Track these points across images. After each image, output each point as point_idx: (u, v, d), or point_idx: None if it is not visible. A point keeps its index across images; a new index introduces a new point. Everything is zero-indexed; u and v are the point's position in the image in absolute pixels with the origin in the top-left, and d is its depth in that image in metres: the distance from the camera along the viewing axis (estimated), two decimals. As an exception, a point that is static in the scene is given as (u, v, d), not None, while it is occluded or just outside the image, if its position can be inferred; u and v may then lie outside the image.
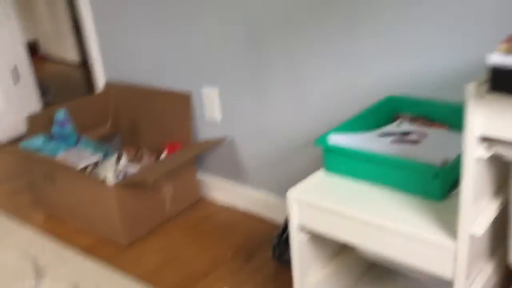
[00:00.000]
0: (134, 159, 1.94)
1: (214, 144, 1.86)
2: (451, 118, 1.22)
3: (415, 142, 1.16)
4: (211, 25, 1.70)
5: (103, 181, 1.67)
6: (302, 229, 1.08)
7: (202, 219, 1.86)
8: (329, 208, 1.00)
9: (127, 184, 1.66)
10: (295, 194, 1.05)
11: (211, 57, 1.75)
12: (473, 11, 1.16)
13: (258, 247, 1.66)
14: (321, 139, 1.10)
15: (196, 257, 1.64)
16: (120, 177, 1.70)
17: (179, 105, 1.90)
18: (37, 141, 1.85)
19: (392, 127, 1.24)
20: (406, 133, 1.20)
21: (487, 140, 0.78)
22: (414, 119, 1.27)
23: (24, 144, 1.83)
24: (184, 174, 1.90)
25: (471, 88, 0.73)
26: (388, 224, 0.92)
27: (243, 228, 1.77)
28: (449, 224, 0.89)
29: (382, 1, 1.28)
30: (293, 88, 1.56)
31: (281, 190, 1.74)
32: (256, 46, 1.60)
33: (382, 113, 1.28)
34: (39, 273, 1.61)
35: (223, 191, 1.93)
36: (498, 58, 0.67)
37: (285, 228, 1.52)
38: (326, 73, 1.47)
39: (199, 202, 1.97)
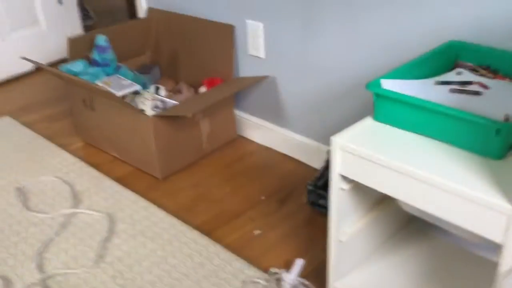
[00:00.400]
0: (172, 91, 1.90)
1: (256, 81, 1.79)
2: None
3: (475, 93, 1.06)
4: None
5: (142, 112, 1.64)
6: (343, 178, 1.03)
7: (237, 159, 1.83)
8: (375, 157, 0.94)
9: (166, 116, 1.64)
10: (339, 140, 0.99)
11: (258, -11, 1.65)
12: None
13: (293, 191, 1.62)
14: (373, 83, 1.01)
15: (229, 197, 1.62)
16: (159, 109, 1.67)
17: (222, 37, 1.82)
18: (78, 66, 1.82)
19: (451, 75, 1.14)
20: (466, 83, 1.10)
21: None
22: (475, 69, 1.16)
23: (64, 67, 1.81)
24: (222, 111, 1.86)
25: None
26: (437, 179, 0.86)
27: (278, 171, 1.74)
28: (507, 186, 0.82)
29: None
30: (345, 28, 1.46)
31: (322, 136, 1.68)
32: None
33: (441, 60, 1.17)
34: (76, 198, 1.64)
35: (261, 132, 1.88)
36: None
37: (322, 173, 1.47)
38: (383, 13, 1.35)
39: (236, 141, 1.94)
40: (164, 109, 1.69)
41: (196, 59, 1.97)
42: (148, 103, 1.67)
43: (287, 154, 1.81)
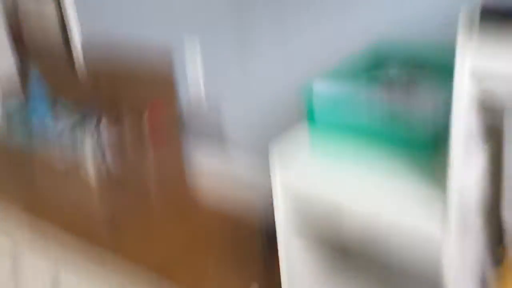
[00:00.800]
0: (114, 121, 1.86)
1: (197, 105, 1.77)
2: (441, 62, 1.14)
3: (404, 89, 1.09)
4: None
5: (84, 179, 1.56)
6: (285, 189, 1.01)
7: (187, 193, 1.76)
8: (313, 163, 0.93)
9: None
10: (277, 148, 0.98)
11: (194, 10, 1.64)
12: None
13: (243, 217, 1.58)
14: (306, 86, 1.02)
15: (178, 232, 1.55)
16: (103, 171, 1.59)
17: (161, 61, 1.80)
18: (12, 105, 1.77)
19: (379, 74, 1.16)
20: (394, 80, 1.12)
21: (478, 76, 0.71)
22: (403, 65, 1.19)
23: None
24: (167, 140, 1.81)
25: (463, 17, 0.65)
26: (374, 177, 0.86)
27: (229, 204, 1.69)
28: (440, 177, 0.83)
29: None
30: (278, 39, 1.47)
31: (264, 152, 1.67)
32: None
33: (370, 60, 1.19)
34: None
35: (206, 156, 1.86)
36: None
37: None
38: (316, 19, 1.37)
39: (184, 173, 1.88)
40: (108, 169, 1.63)
41: (136, 85, 1.93)
42: (90, 165, 1.57)
43: (233, 174, 1.79)
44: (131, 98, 1.96)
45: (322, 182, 0.94)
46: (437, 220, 0.81)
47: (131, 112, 1.91)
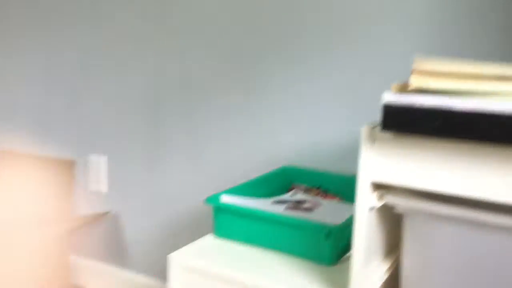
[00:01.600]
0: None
1: (94, 220, 1.67)
2: (344, 190, 1.21)
3: (308, 210, 1.12)
4: (107, 84, 1.62)
5: None
6: (183, 299, 0.94)
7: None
8: (214, 272, 0.89)
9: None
10: (177, 258, 0.93)
11: (101, 121, 1.64)
12: (367, 87, 1.21)
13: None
14: (213, 197, 1.01)
15: None
16: None
17: (60, 173, 1.72)
18: None
19: (286, 196, 1.19)
20: (300, 202, 1.16)
21: (379, 188, 0.75)
22: (308, 190, 1.24)
23: None
24: (53, 256, 1.66)
25: (364, 130, 0.71)
26: (269, 286, 0.83)
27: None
28: (340, 286, 0.82)
29: (280, 78, 1.31)
30: (189, 159, 1.49)
31: (166, 274, 1.57)
32: (153, 113, 1.53)
33: (277, 182, 1.23)
34: None
35: (100, 277, 1.70)
36: (389, 97, 0.67)
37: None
38: (224, 143, 1.42)
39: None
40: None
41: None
42: None
43: (130, 298, 1.64)
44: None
45: (220, 285, 0.88)
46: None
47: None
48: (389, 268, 0.86)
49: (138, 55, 1.53)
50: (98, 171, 1.67)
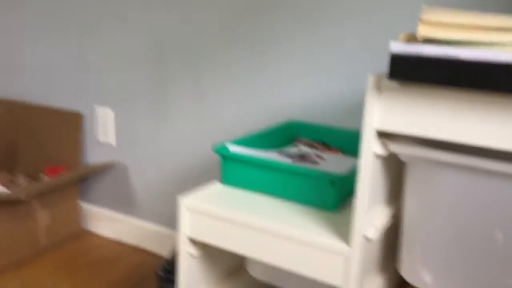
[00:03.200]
0: (8, 184, 1.72)
1: (102, 169, 1.71)
2: (346, 144, 1.24)
3: (313, 162, 1.15)
4: (112, 38, 1.62)
5: None
6: (192, 242, 0.99)
7: (81, 253, 1.66)
8: (222, 215, 0.93)
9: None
10: (186, 200, 0.97)
11: (108, 74, 1.66)
12: (374, 42, 1.22)
13: (143, 280, 1.50)
14: (220, 147, 1.04)
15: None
16: None
17: (68, 125, 1.75)
18: None
19: (291, 149, 1.22)
20: (304, 155, 1.19)
21: (384, 136, 0.78)
22: (311, 144, 1.27)
23: None
24: (64, 201, 1.71)
25: (371, 79, 0.73)
26: (280, 229, 0.87)
27: (127, 263, 1.61)
28: (343, 232, 0.86)
29: (286, 31, 1.31)
30: (195, 112, 1.51)
31: (173, 222, 1.62)
32: (159, 65, 1.54)
33: (281, 136, 1.26)
34: None
35: (109, 224, 1.76)
36: (397, 46, 0.69)
37: (172, 258, 1.40)
38: (229, 97, 1.44)
39: (80, 234, 1.78)
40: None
41: (38, 149, 1.84)
42: None
43: (137, 245, 1.70)
44: (30, 163, 1.85)
45: (228, 232, 0.93)
46: (339, 271, 0.83)
47: (29, 176, 1.79)
48: (392, 214, 0.90)
49: (143, 8, 1.53)
50: (106, 124, 1.69)
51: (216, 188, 1.04)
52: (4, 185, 1.70)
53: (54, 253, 1.65)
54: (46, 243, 1.66)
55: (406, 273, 0.86)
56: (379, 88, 0.74)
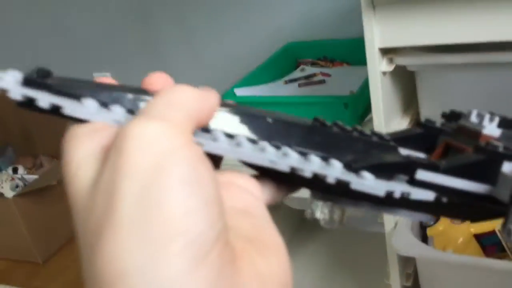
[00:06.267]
0: (33, 168, 1.76)
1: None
2: (349, 55, 1.21)
3: (320, 82, 1.14)
4: None
5: (1, 196, 1.49)
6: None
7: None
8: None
9: (31, 193, 1.50)
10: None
11: (98, 40, 1.61)
12: None
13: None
14: (227, 94, 1.03)
15: None
16: (20, 188, 1.53)
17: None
18: None
19: (296, 73, 1.21)
20: (310, 76, 1.17)
21: (388, 53, 0.76)
22: (314, 63, 1.25)
23: None
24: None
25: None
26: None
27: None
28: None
29: None
30: (188, 53, 1.48)
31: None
32: (142, 16, 1.49)
33: (284, 61, 1.24)
34: None
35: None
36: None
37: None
38: (223, 29, 1.40)
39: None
40: (26, 186, 1.55)
41: (53, 129, 1.85)
42: (6, 185, 1.53)
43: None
44: (50, 143, 1.87)
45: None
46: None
47: (51, 156, 1.82)
48: (409, 123, 0.91)
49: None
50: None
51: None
52: (29, 169, 1.74)
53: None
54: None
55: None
56: (372, 3, 0.71)
